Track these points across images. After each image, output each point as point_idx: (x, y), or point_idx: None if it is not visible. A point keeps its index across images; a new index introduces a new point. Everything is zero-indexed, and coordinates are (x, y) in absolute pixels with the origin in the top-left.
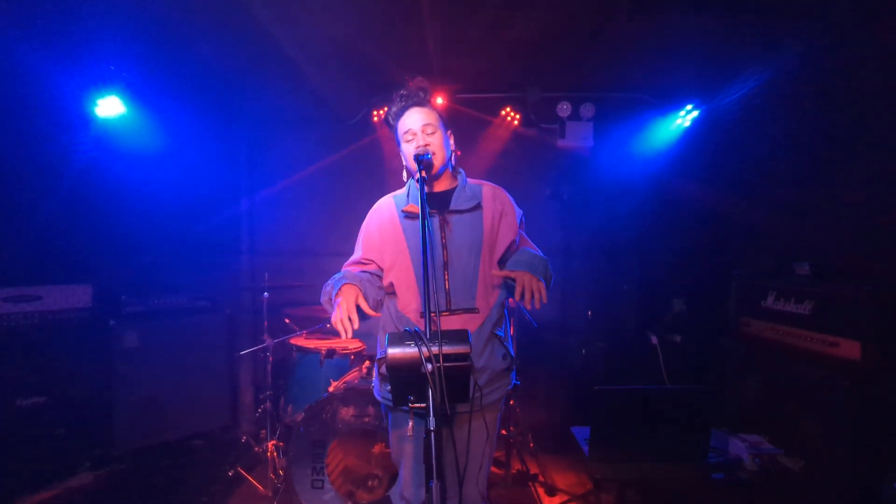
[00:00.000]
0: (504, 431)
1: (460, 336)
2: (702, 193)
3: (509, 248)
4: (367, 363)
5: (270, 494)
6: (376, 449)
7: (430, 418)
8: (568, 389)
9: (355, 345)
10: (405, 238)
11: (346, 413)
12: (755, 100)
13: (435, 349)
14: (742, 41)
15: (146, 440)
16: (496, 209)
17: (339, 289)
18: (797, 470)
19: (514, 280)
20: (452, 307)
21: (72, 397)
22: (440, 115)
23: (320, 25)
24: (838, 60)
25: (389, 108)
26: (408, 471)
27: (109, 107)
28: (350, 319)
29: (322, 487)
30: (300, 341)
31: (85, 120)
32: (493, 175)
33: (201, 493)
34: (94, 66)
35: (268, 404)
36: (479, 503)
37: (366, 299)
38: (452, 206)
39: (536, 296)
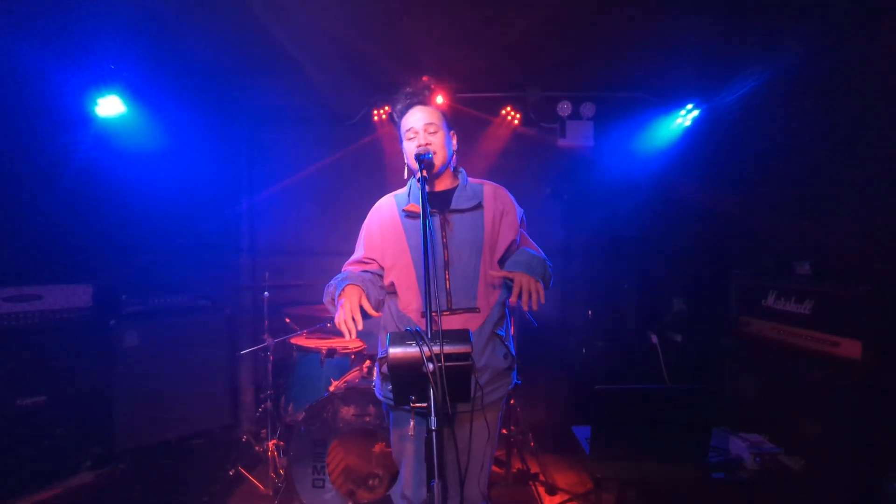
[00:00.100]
0: (504, 430)
1: (462, 336)
2: (702, 193)
3: (510, 247)
4: (367, 362)
5: (271, 494)
6: (377, 448)
7: (432, 418)
8: (568, 389)
9: (356, 344)
10: (406, 238)
11: (347, 412)
12: (756, 99)
13: (436, 349)
14: (742, 41)
15: (147, 439)
16: (497, 208)
17: (343, 289)
18: (797, 469)
19: (512, 280)
20: (453, 307)
21: (72, 397)
22: (444, 115)
23: (321, 25)
24: (838, 60)
25: (394, 105)
26: (409, 470)
27: (110, 106)
28: (354, 320)
29: (323, 487)
30: (301, 340)
31: (85, 119)
32: (493, 174)
33: (202, 492)
34: (95, 66)
35: (268, 403)
36: (481, 502)
37: (368, 299)
38: (453, 206)
39: (534, 297)
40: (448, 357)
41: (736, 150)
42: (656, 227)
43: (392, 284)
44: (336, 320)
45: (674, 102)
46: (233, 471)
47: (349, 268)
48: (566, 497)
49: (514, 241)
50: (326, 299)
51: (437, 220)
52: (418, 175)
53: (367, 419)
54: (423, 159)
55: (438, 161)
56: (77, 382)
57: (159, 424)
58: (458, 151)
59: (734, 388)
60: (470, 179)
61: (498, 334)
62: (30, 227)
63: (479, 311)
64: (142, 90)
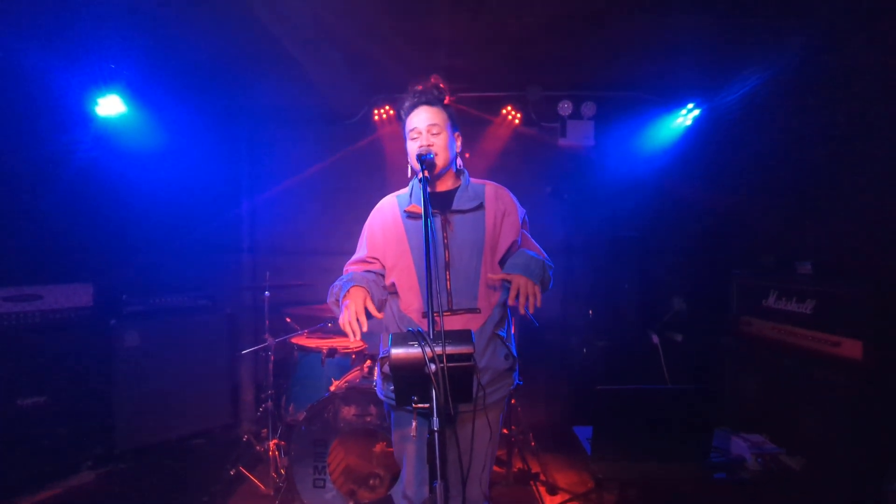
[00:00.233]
0: (505, 430)
1: (463, 336)
2: (703, 192)
3: (511, 247)
4: (368, 362)
5: (272, 493)
6: (378, 448)
7: (434, 418)
8: (569, 388)
9: (357, 344)
10: (408, 238)
11: (348, 412)
12: (756, 99)
13: (438, 349)
14: (743, 40)
15: (147, 439)
16: (498, 209)
17: (348, 291)
18: (798, 469)
19: (510, 282)
20: (454, 307)
21: (73, 396)
22: (450, 117)
23: (321, 24)
24: (838, 60)
25: (402, 103)
26: (410, 469)
27: (110, 106)
28: (358, 322)
29: (324, 486)
30: (301, 340)
31: (85, 119)
32: (494, 174)
33: (202, 491)
34: (95, 66)
35: (269, 403)
36: (482, 502)
37: (372, 300)
38: (455, 206)
39: (531, 300)
40: (450, 358)
41: (736, 149)
42: (657, 227)
43: (393, 285)
44: (340, 322)
45: (674, 102)
46: (233, 470)
47: (352, 268)
48: (567, 497)
49: (515, 242)
50: (331, 300)
51: (438, 221)
52: (420, 175)
53: (368, 419)
54: (425, 160)
55: (440, 162)
56: (77, 382)
57: (160, 424)
58: (466, 153)
59: (735, 388)
60: (472, 180)
61: (499, 335)
62: (30, 226)
63: (479, 312)
64: (142, 90)
